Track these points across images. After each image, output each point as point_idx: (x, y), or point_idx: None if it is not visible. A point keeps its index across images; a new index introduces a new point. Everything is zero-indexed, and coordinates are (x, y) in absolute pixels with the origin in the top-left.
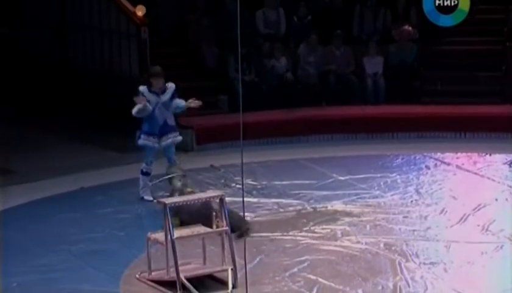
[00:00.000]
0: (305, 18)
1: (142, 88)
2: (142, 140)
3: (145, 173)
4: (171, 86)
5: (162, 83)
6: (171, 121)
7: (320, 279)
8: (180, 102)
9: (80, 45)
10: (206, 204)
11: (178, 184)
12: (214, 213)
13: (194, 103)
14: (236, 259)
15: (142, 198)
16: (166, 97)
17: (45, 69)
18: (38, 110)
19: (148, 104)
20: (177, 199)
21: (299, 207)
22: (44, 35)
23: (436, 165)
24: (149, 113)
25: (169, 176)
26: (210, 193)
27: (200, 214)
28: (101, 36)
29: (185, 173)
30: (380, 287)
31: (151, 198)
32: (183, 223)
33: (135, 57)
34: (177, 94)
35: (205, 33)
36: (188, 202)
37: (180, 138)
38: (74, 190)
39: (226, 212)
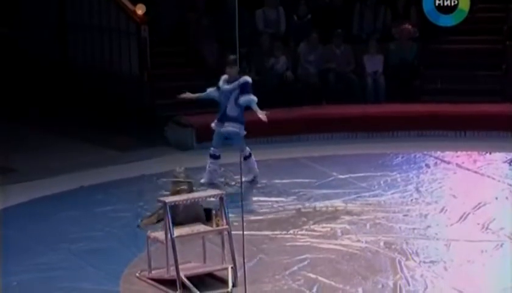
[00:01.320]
0: (305, 17)
1: (224, 76)
2: (212, 123)
3: (212, 156)
4: (241, 79)
5: (234, 72)
6: (232, 112)
7: (320, 278)
8: (248, 100)
9: (80, 44)
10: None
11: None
12: (213, 212)
13: (262, 115)
14: (236, 257)
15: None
16: (227, 87)
17: (45, 69)
18: (38, 109)
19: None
20: (176, 198)
21: (299, 206)
22: (44, 35)
23: (436, 163)
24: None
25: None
26: (210, 192)
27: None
28: (101, 35)
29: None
30: (380, 286)
31: (203, 181)
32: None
33: (135, 55)
34: (248, 89)
35: (205, 32)
36: (187, 202)
37: (231, 129)
38: (73, 188)
39: (226, 211)
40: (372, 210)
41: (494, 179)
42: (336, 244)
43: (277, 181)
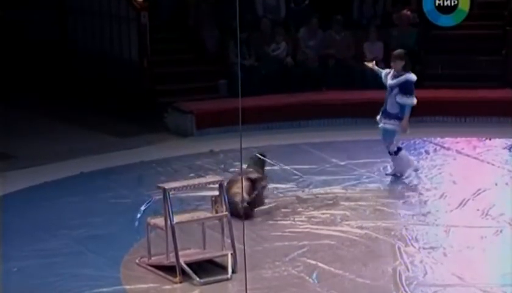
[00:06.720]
0: (302, 3)
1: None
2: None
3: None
4: (404, 77)
5: (398, 67)
6: (391, 108)
7: (320, 264)
8: (404, 102)
9: (80, 29)
10: None
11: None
12: (213, 199)
13: (405, 126)
14: (236, 244)
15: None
16: (390, 81)
17: (45, 53)
18: (37, 95)
19: (378, 69)
20: (177, 183)
21: (299, 192)
22: (44, 19)
23: (435, 149)
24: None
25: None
26: (210, 178)
27: None
28: (101, 20)
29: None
30: (379, 272)
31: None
32: None
33: (134, 41)
34: (408, 89)
35: (205, 17)
36: (189, 187)
37: (388, 127)
38: (74, 175)
39: (225, 197)
40: (371, 196)
41: (493, 165)
42: (335, 230)
43: (276, 167)
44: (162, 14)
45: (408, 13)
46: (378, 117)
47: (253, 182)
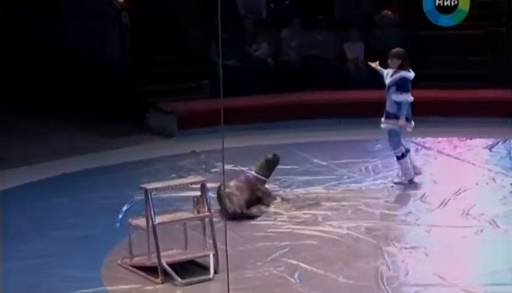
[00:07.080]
0: (283, 3)
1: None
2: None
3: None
4: (399, 74)
5: (395, 65)
6: (391, 108)
7: (301, 264)
8: (399, 100)
9: (67, 29)
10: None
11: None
12: (195, 199)
13: (402, 123)
14: (218, 244)
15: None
16: (386, 80)
17: (45, 53)
18: (20, 95)
19: (380, 69)
20: (158, 184)
21: (281, 192)
22: (39, 19)
23: (417, 149)
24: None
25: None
26: (192, 178)
27: None
28: (98, 20)
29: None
30: (361, 272)
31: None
32: None
33: (116, 41)
34: (404, 86)
35: (191, 17)
36: (171, 188)
37: (387, 126)
38: (58, 175)
39: (207, 197)
40: (353, 196)
41: (474, 164)
42: (317, 230)
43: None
44: (151, 14)
45: (389, 13)
46: (382, 119)
47: (258, 199)
